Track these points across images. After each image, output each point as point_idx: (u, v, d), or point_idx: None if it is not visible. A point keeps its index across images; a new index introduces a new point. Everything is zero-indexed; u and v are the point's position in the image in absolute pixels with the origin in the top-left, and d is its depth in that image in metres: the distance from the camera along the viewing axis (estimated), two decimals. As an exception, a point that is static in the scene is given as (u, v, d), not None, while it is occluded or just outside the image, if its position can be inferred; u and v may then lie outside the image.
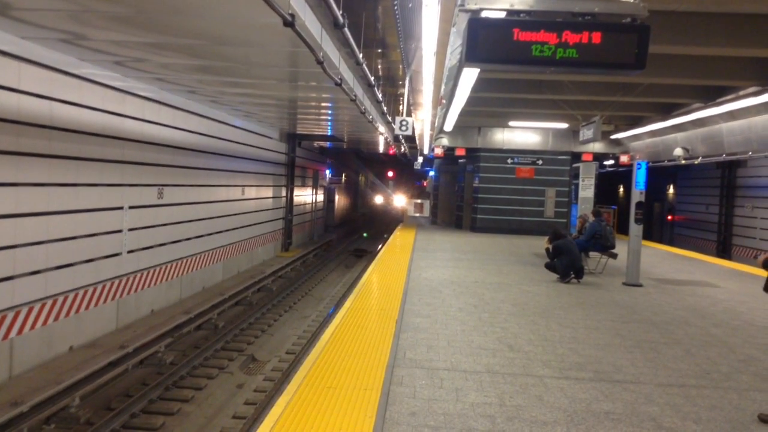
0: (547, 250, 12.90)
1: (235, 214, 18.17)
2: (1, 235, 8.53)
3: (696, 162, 20.47)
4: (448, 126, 18.95)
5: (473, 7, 6.06)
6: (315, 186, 30.49)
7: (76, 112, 10.01)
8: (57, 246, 9.76)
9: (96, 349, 10.44)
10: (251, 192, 19.67)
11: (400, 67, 15.07)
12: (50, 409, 8.02)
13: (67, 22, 7.52)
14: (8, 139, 8.53)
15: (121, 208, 11.56)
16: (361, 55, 9.64)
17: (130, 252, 11.99)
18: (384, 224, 47.40)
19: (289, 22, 6.04)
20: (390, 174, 62.70)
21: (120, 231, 11.59)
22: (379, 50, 13.69)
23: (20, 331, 8.99)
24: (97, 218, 10.81)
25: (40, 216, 9.32)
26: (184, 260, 14.59)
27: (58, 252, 9.82)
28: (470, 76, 10.07)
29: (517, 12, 6.03)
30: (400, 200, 59.94)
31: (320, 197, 32.48)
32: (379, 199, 65.98)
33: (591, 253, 14.05)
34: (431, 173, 37.09)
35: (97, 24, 7.52)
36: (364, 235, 37.73)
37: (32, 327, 9.25)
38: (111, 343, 10.71)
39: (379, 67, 15.47)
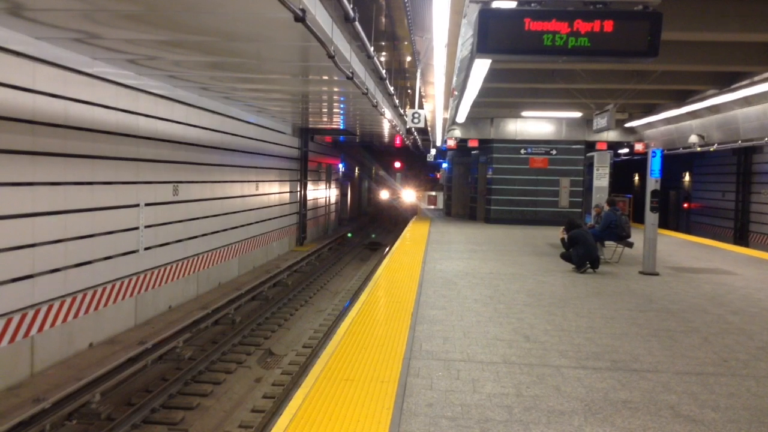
0: (563, 240, 12.86)
1: (250, 210, 18.26)
2: (20, 234, 8.63)
3: (711, 149, 20.30)
4: (461, 117, 18.90)
5: (484, -3, 6.04)
6: (328, 180, 30.54)
7: (90, 110, 10.09)
8: (75, 244, 9.86)
9: (115, 345, 10.55)
10: (265, 187, 19.75)
11: (412, 59, 15.05)
12: (72, 406, 8.12)
13: (79, 22, 7.58)
14: (25, 138, 8.62)
15: (137, 205, 11.65)
16: (372, 48, 9.64)
17: (147, 249, 12.09)
18: (390, 225, 41.12)
19: (300, 17, 6.05)
20: (397, 165, 54.42)
21: (137, 228, 11.69)
22: (391, 43, 13.68)
23: (41, 329, 9.11)
24: (113, 216, 10.91)
25: (58, 215, 9.42)
26: (201, 256, 14.69)
27: (77, 250, 9.92)
28: (482, 67, 10.05)
29: (528, 1, 6.00)
30: (409, 195, 50.60)
31: (334, 191, 32.51)
32: (384, 195, 54.23)
33: (606, 243, 13.99)
34: (444, 165, 36.98)
35: (110, 23, 7.57)
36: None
37: (52, 324, 9.36)
38: (130, 340, 10.82)
39: (390, 59, 15.45)
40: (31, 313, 8.89)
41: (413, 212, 36.45)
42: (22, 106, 8.53)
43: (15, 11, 7.20)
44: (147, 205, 12.02)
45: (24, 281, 8.76)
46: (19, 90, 8.48)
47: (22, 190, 8.63)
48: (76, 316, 9.94)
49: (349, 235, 32.79)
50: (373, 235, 33.96)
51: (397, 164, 53.90)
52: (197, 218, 14.44)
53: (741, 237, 23.18)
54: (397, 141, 30.39)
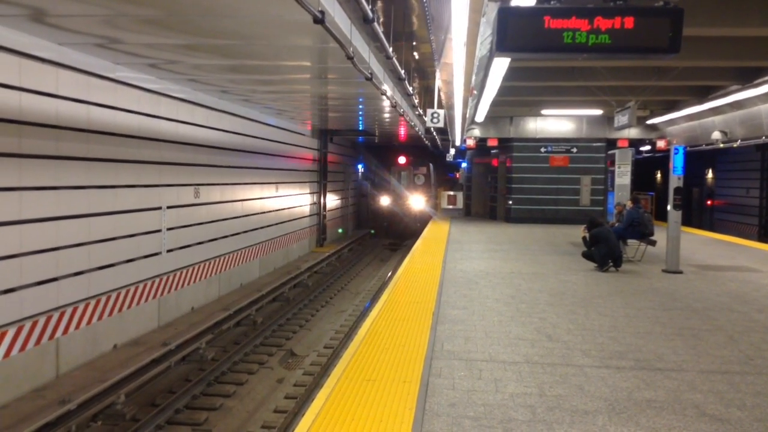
0: (584, 238, 12.77)
1: (270, 211, 18.34)
2: (44, 238, 8.74)
3: (735, 145, 20.03)
4: (480, 117, 18.84)
5: (503, -4, 6.02)
6: (347, 181, 30.57)
7: (112, 115, 10.20)
8: (98, 247, 9.97)
9: (139, 346, 10.65)
10: (285, 189, 19.82)
11: (431, 58, 15.03)
12: (97, 407, 8.21)
13: (101, 27, 7.66)
14: (49, 143, 8.73)
15: (159, 208, 11.75)
16: (390, 49, 9.65)
17: (169, 251, 12.19)
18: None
19: (319, 19, 6.07)
20: (402, 161, 36.29)
21: (159, 231, 11.79)
22: (409, 43, 13.67)
23: (65, 331, 9.22)
24: (136, 219, 11.01)
25: (82, 218, 9.53)
26: (222, 258, 14.78)
27: (100, 253, 10.02)
28: (501, 65, 10.00)
29: (548, -1, 5.97)
30: (418, 201, 34.83)
31: (352, 192, 32.50)
32: (385, 201, 34.90)
33: (629, 241, 13.88)
34: (463, 165, 36.84)
35: (131, 27, 7.65)
36: None
37: (77, 327, 9.47)
38: (153, 341, 10.91)
39: (409, 59, 15.45)
40: (56, 316, 9.00)
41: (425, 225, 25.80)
42: (46, 111, 8.64)
43: (38, 18, 7.30)
44: (169, 207, 12.12)
45: (49, 284, 8.88)
46: (43, 95, 8.59)
47: (46, 194, 8.74)
48: (100, 318, 10.05)
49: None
50: None
51: (402, 160, 36.29)
52: (218, 220, 14.53)
53: (766, 234, 22.87)
54: (402, 131, 25.11)
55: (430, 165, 34.89)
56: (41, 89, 8.56)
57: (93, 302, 9.87)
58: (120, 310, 10.61)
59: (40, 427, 7.35)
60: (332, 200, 26.89)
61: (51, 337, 8.93)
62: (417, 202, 34.57)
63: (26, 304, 8.46)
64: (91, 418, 8.11)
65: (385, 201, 34.62)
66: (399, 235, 32.23)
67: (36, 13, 7.10)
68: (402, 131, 25.61)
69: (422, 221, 29.29)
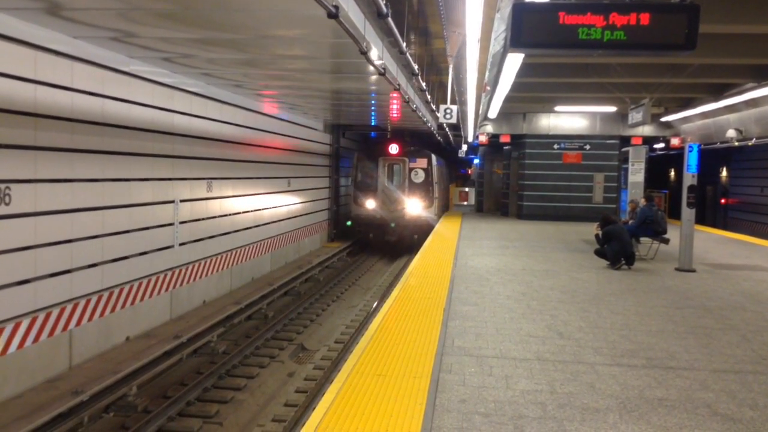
0: (597, 236, 12.72)
1: (282, 206, 18.37)
2: (59, 230, 8.80)
3: (750, 143, 19.89)
4: (493, 113, 18.81)
5: (517, -9, 6.00)
6: None
7: (126, 108, 10.24)
8: (112, 240, 10.02)
9: (151, 339, 10.71)
10: (297, 183, 19.84)
11: (444, 54, 15.00)
12: (109, 398, 8.26)
13: (116, 21, 7.69)
14: (64, 136, 8.79)
15: (172, 201, 11.80)
16: (404, 44, 9.63)
17: (182, 244, 12.24)
18: None
19: (333, 14, 6.07)
20: (394, 150, 24.32)
21: (172, 224, 11.84)
22: (423, 38, 13.64)
23: (79, 323, 9.28)
24: (149, 212, 11.06)
25: (96, 211, 9.58)
26: (234, 252, 14.82)
27: (114, 245, 10.08)
28: (515, 61, 9.99)
29: (563, -5, 5.95)
30: (414, 206, 24.05)
31: None
32: (370, 204, 24.09)
33: (642, 239, 13.81)
34: (476, 161, 36.82)
35: (145, 21, 7.67)
36: None
37: (90, 318, 9.53)
38: (166, 334, 10.97)
39: (422, 54, 15.42)
40: (69, 307, 9.06)
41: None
42: (61, 104, 8.69)
43: (53, 11, 7.34)
44: (182, 201, 12.16)
45: (62, 276, 8.93)
46: (59, 88, 8.64)
47: (61, 186, 8.80)
48: (113, 310, 10.11)
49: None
50: None
51: (393, 149, 24.38)
52: (230, 214, 14.58)
53: (780, 233, 22.70)
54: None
55: (432, 157, 25.75)
56: (56, 82, 8.60)
57: (106, 294, 9.93)
58: (133, 302, 10.67)
59: (53, 417, 7.42)
60: (344, 195, 26.86)
61: (64, 328, 8.99)
62: (413, 206, 24.41)
63: (40, 296, 8.52)
64: (103, 409, 8.17)
65: (370, 205, 24.40)
66: (388, 250, 24.50)
67: (52, 6, 7.14)
68: (418, 128, 24.60)
69: (421, 232, 22.76)
